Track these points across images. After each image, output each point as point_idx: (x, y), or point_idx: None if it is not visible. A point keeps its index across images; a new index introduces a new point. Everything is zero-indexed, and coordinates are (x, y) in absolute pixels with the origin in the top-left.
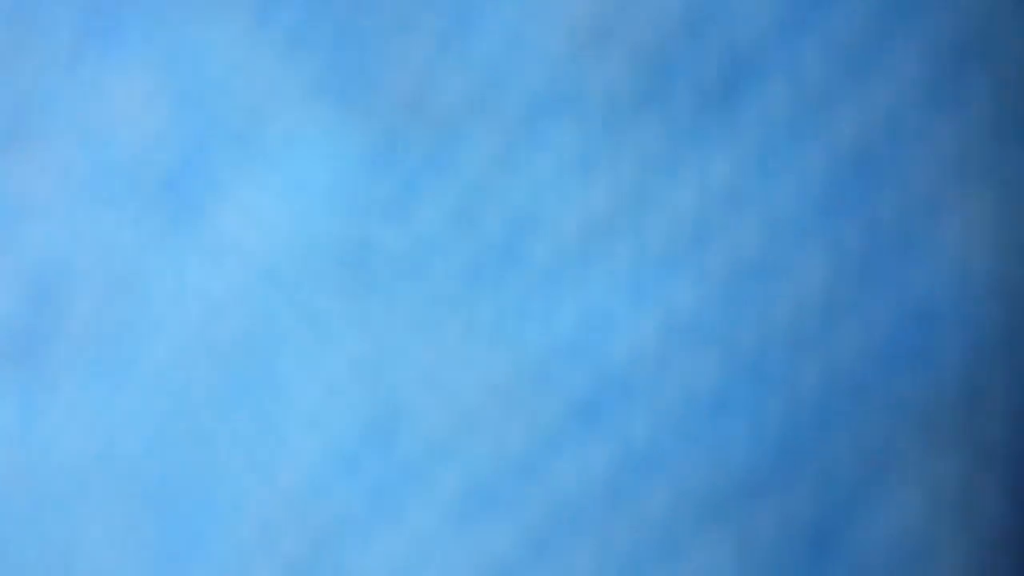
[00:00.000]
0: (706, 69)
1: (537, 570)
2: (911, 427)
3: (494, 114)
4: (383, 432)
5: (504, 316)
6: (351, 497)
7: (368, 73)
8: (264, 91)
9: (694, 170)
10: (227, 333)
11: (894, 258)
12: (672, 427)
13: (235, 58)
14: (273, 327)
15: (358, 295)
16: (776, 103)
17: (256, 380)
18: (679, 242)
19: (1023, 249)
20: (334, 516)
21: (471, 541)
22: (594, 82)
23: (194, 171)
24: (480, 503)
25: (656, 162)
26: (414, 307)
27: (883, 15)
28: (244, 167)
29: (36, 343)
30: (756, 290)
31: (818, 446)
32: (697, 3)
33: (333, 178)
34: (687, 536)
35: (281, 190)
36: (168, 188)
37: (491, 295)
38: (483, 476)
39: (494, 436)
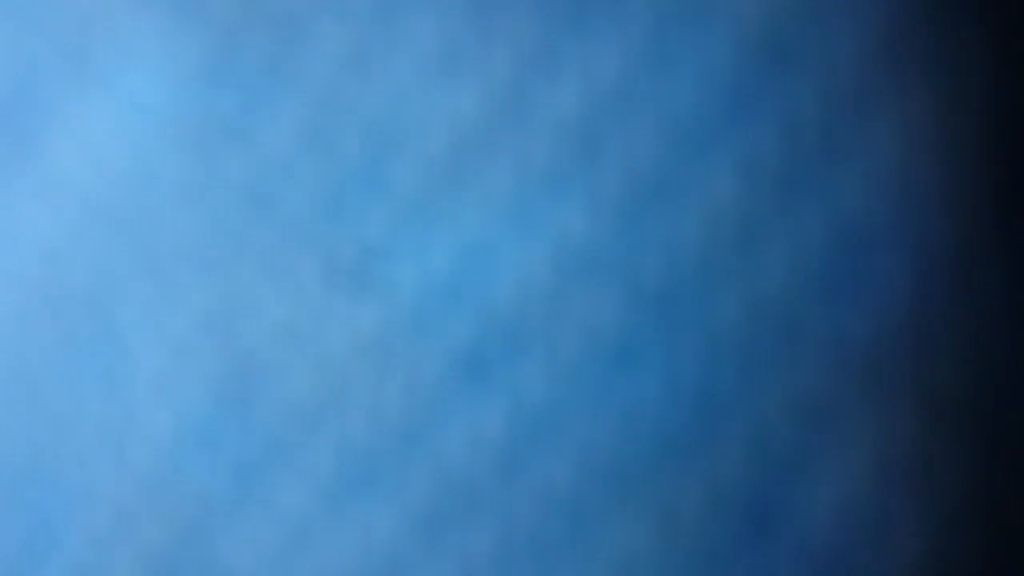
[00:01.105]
0: None
1: (427, 556)
2: (852, 374)
3: (342, 8)
4: (239, 398)
5: (369, 254)
6: (211, 476)
7: None
8: (92, 1)
9: (577, 65)
10: (65, 286)
11: (819, 167)
12: (572, 381)
13: None
14: (112, 277)
15: (202, 236)
16: None
17: (98, 341)
18: (565, 155)
19: (972, 152)
20: (194, 499)
21: (350, 524)
22: None
23: (25, 98)
24: (357, 479)
25: (533, 58)
26: (264, 248)
27: None
28: (76, 90)
29: None
30: (659, 210)
31: (744, 399)
32: None
33: (169, 96)
34: (599, 512)
35: (115, 114)
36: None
37: (351, 229)
38: (358, 447)
39: (367, 399)
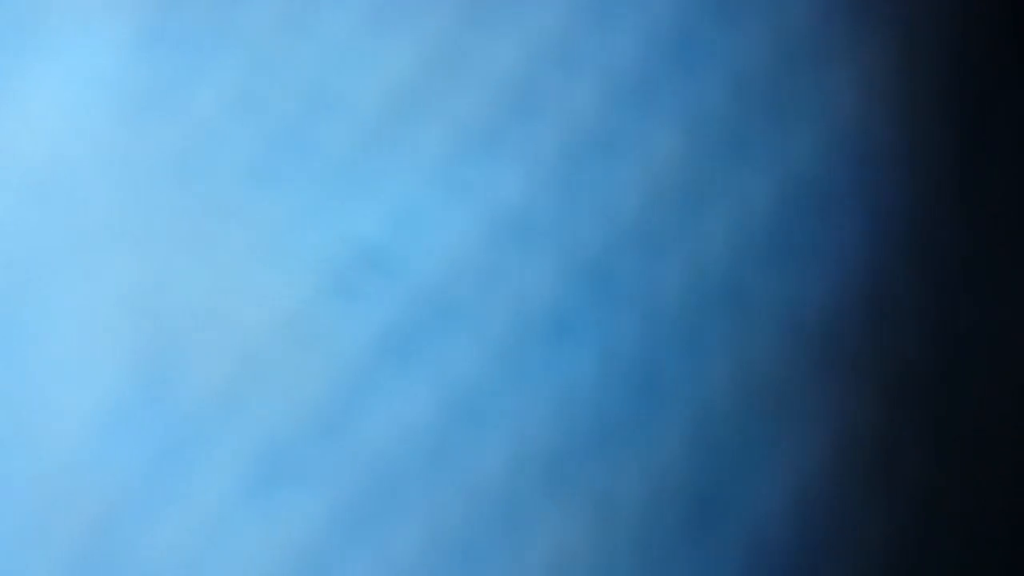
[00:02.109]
0: None
1: (351, 551)
2: (805, 350)
3: None
4: (158, 382)
5: (292, 224)
6: (128, 467)
7: None
8: None
9: (513, 21)
10: (4, 268)
11: (769, 125)
12: (503, 360)
13: None
14: (37, 252)
15: (129, 208)
16: None
17: (16, 318)
18: (500, 115)
19: (932, 108)
20: (110, 493)
21: (269, 516)
22: None
23: None
24: (277, 470)
25: (468, 14)
26: (189, 218)
27: None
28: (17, 59)
29: None
30: (597, 173)
31: (687, 379)
32: None
33: (108, 64)
34: (531, 503)
35: (55, 83)
36: None
37: (275, 197)
38: (277, 434)
39: (287, 380)
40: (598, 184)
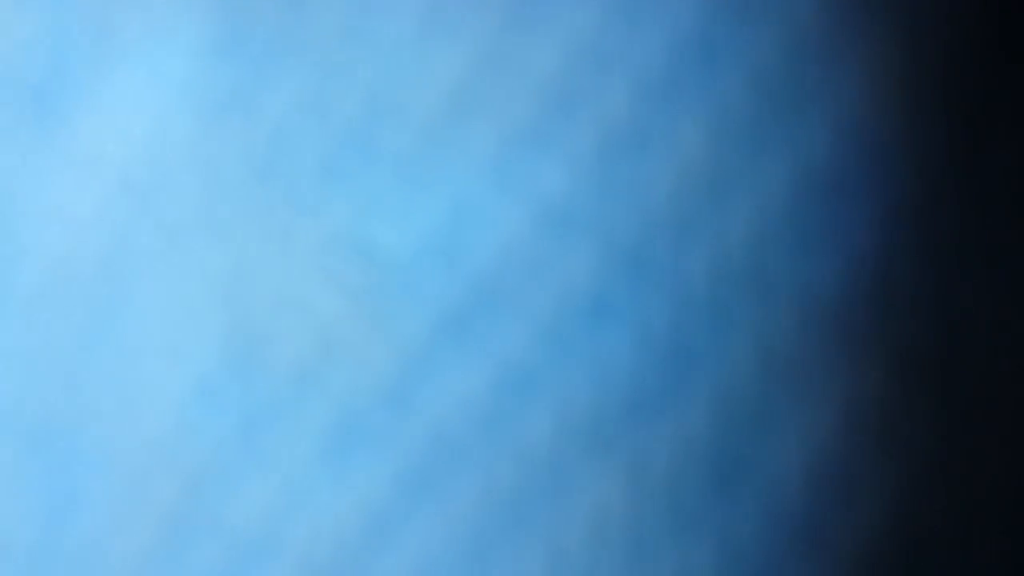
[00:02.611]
0: None
1: (413, 508)
2: (819, 328)
3: None
4: (244, 361)
5: (360, 217)
6: (218, 437)
7: None
8: None
9: (554, 26)
10: (89, 256)
11: (785, 118)
12: (549, 338)
13: None
14: (130, 245)
15: (211, 202)
16: None
17: (114, 306)
18: (542, 113)
19: (936, 99)
20: (202, 459)
21: (344, 481)
22: None
23: (55, 73)
24: (350, 437)
25: (512, 21)
26: (267, 213)
27: None
28: (102, 65)
29: None
30: (631, 166)
31: (714, 352)
32: None
33: (186, 69)
34: (574, 469)
35: (137, 88)
36: (34, 99)
37: (343, 192)
38: (350, 406)
39: (358, 359)
40: (631, 176)
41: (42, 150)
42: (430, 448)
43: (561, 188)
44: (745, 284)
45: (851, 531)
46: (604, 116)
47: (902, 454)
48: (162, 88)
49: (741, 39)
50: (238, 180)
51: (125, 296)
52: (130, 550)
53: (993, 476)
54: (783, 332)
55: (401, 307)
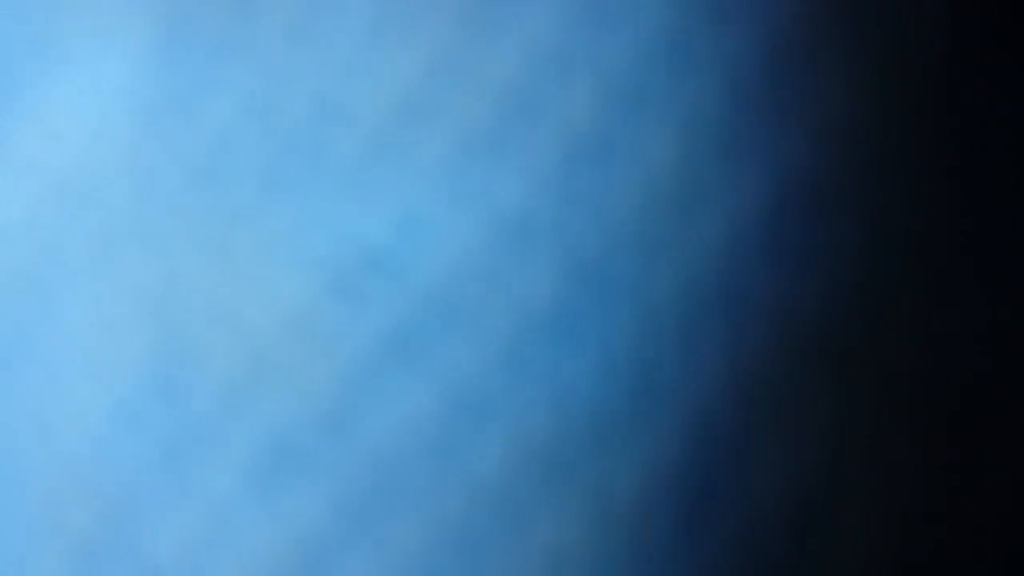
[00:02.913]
0: None
1: (352, 544)
2: (800, 347)
3: None
4: (170, 380)
5: (302, 227)
6: (139, 460)
7: None
8: None
9: (514, 28)
10: (13, 264)
11: (763, 126)
12: (504, 358)
13: None
14: (59, 256)
15: (146, 211)
16: None
17: (37, 320)
18: (500, 120)
19: (921, 108)
20: (121, 484)
21: (274, 511)
22: None
23: None
24: (282, 464)
25: (470, 23)
26: (204, 222)
27: None
28: (40, 70)
29: None
30: (595, 176)
31: (684, 377)
32: None
33: (126, 75)
34: (530, 502)
35: (76, 93)
36: None
37: (285, 201)
38: (283, 430)
39: (294, 380)
40: (596, 187)
41: None
42: (370, 477)
43: (520, 199)
44: (718, 302)
45: (835, 568)
46: (566, 122)
47: (888, 484)
48: (101, 93)
49: (714, 41)
50: (175, 188)
51: (44, 307)
52: None
53: (986, 505)
54: (759, 354)
55: (342, 324)
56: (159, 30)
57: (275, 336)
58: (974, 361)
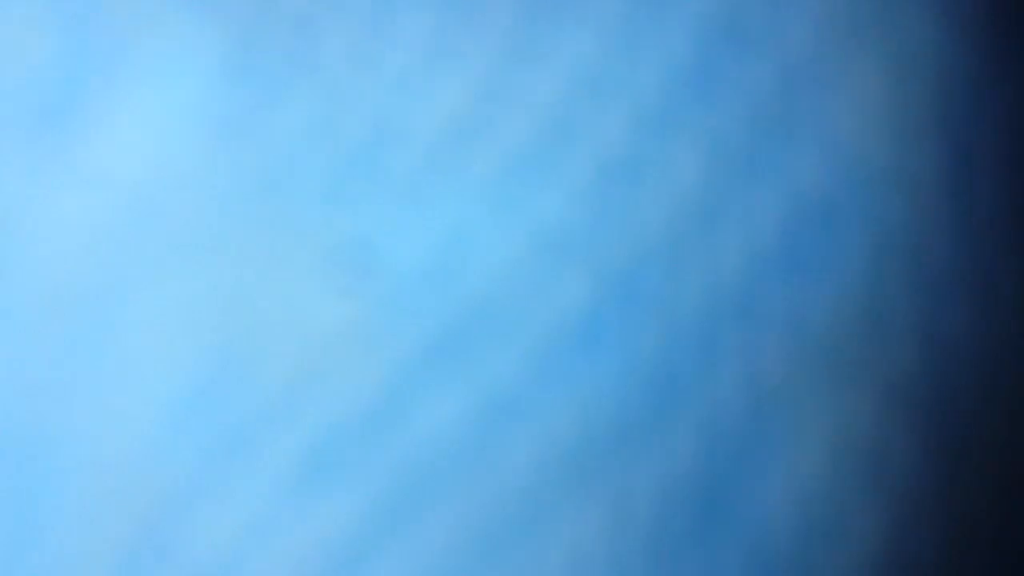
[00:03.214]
0: None
1: (385, 548)
2: (811, 355)
3: (347, 6)
4: (223, 381)
5: (362, 237)
6: (186, 461)
7: None
8: (128, 6)
9: (552, 55)
10: (90, 274)
11: (778, 147)
12: (537, 365)
13: None
14: (132, 264)
15: (215, 222)
16: None
17: (103, 329)
18: (539, 141)
19: (927, 127)
20: (164, 489)
21: (313, 516)
22: None
23: (70, 99)
24: (322, 469)
25: (513, 50)
26: (265, 234)
27: None
28: (115, 91)
29: None
30: (624, 193)
31: (702, 382)
32: None
33: (197, 90)
34: (554, 503)
35: (148, 112)
36: (44, 119)
37: (348, 214)
38: (325, 436)
39: (341, 386)
40: (625, 204)
41: (51, 169)
42: (405, 481)
43: (556, 214)
44: (734, 313)
45: (842, 571)
46: (601, 145)
47: (895, 490)
48: (173, 110)
49: (735, 70)
50: (243, 201)
51: (112, 320)
52: None
53: (990, 514)
54: (772, 362)
55: (390, 333)
56: (229, 50)
57: (326, 345)
58: (979, 370)
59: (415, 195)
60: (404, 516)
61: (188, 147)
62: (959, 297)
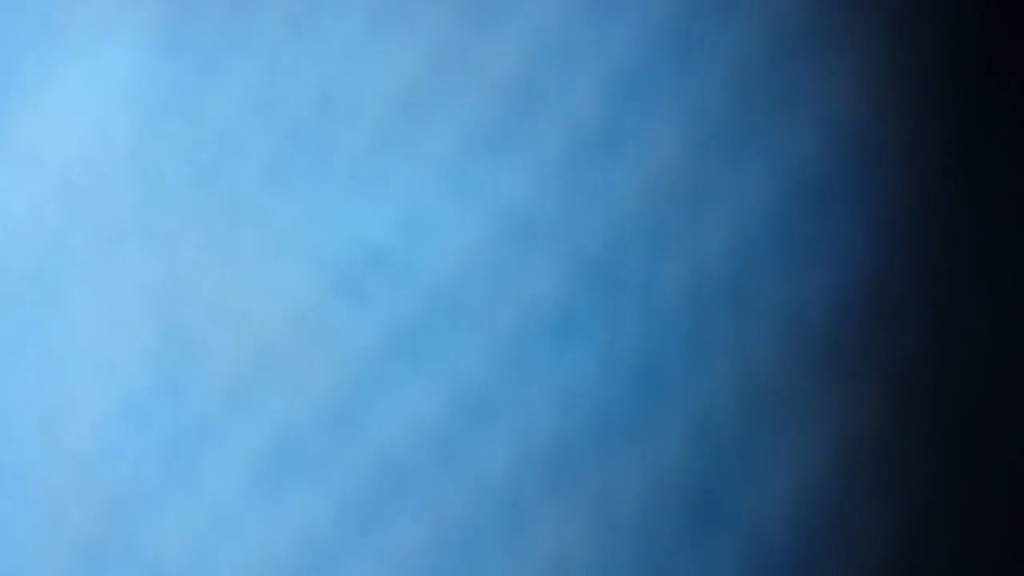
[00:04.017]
0: None
1: (355, 543)
2: (807, 349)
3: None
4: (174, 377)
5: (303, 223)
6: (142, 457)
7: None
8: None
9: (516, 20)
10: (19, 261)
11: (769, 121)
12: (508, 355)
13: None
14: (63, 251)
15: (149, 207)
16: None
17: (42, 315)
18: (502, 114)
19: (930, 97)
20: (124, 480)
21: (278, 509)
22: None
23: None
24: (286, 462)
25: (471, 14)
26: (207, 217)
27: None
28: (46, 69)
29: None
30: (600, 171)
31: (690, 375)
32: None
33: (129, 66)
34: (534, 503)
35: (80, 89)
36: None
37: (288, 197)
38: (288, 428)
39: (299, 377)
40: (600, 182)
41: None
42: (374, 475)
43: (523, 195)
44: (724, 301)
45: (841, 570)
46: (570, 117)
47: (897, 488)
48: (104, 88)
49: (719, 33)
50: (179, 184)
51: (53, 304)
52: None
53: (995, 512)
54: (766, 354)
55: (345, 321)
56: (160, 24)
57: (279, 333)
58: (981, 362)
59: (365, 175)
60: (376, 511)
61: (122, 126)
62: (968, 282)
